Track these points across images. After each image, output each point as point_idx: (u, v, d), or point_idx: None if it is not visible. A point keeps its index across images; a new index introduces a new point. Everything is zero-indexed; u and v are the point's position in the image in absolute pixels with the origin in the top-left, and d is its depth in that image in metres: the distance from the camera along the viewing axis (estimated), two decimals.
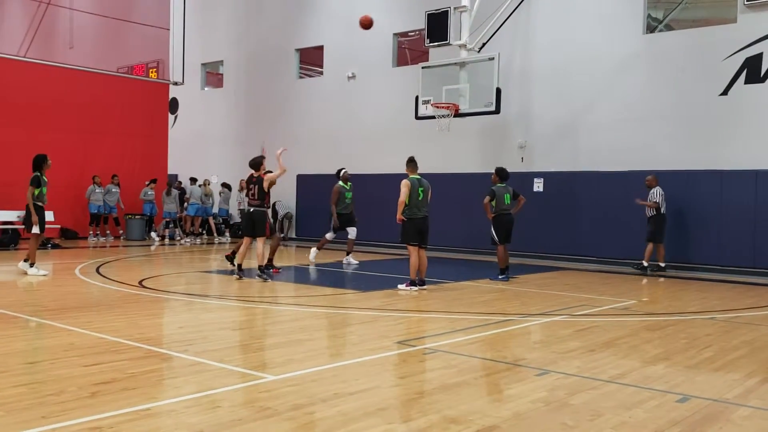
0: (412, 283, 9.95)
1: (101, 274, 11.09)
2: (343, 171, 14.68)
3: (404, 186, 10.25)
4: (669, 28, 15.43)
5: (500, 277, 11.55)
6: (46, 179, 11.32)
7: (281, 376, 4.89)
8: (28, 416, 3.89)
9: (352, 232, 14.77)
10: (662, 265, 13.43)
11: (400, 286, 9.91)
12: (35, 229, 10.87)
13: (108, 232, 19.39)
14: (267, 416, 3.99)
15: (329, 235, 14.68)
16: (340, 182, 14.41)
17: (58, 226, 18.19)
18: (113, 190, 19.16)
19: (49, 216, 17.74)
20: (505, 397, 4.53)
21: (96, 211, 18.90)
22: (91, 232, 18.97)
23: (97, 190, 18.83)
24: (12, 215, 17.12)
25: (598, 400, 4.56)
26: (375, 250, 18.11)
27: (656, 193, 13.42)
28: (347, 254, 14.71)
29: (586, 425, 4.02)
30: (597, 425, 4.02)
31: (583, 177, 15.41)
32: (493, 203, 11.75)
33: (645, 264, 13.46)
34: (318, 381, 4.83)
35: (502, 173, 12.12)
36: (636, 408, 4.37)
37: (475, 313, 8.03)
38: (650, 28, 15.27)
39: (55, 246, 16.16)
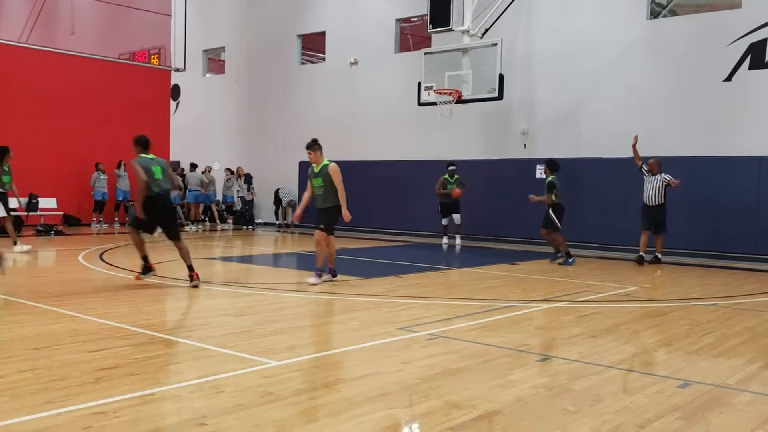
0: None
1: (105, 261, 11.12)
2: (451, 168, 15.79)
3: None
4: (673, 13, 15.34)
5: (570, 260, 12.11)
6: (7, 168, 12.60)
7: (284, 361, 4.92)
8: (33, 401, 3.91)
9: (457, 218, 15.89)
10: (659, 255, 12.72)
11: (310, 280, 9.09)
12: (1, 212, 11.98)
13: (117, 218, 19.51)
14: (270, 401, 4.01)
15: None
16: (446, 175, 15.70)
17: (61, 213, 18.24)
18: (122, 174, 19.22)
19: (52, 203, 17.88)
20: (507, 383, 4.55)
21: (100, 198, 18.94)
22: (94, 219, 19.02)
23: (101, 177, 18.86)
24: (13, 202, 17.14)
25: (600, 385, 4.58)
26: (378, 236, 18.13)
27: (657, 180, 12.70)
28: (452, 237, 16.00)
29: (587, 410, 4.04)
30: (598, 410, 4.04)
31: (586, 163, 15.37)
32: (554, 195, 12.21)
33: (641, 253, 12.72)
34: (320, 366, 4.85)
35: (555, 165, 12.47)
36: (637, 393, 4.39)
37: (477, 299, 8.05)
38: (654, 14, 15.18)
39: (59, 233, 16.19)
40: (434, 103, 15.45)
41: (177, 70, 21.61)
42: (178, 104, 23.73)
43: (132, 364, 4.79)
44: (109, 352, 5.10)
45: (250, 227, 20.52)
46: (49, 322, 6.15)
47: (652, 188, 12.48)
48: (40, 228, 16.30)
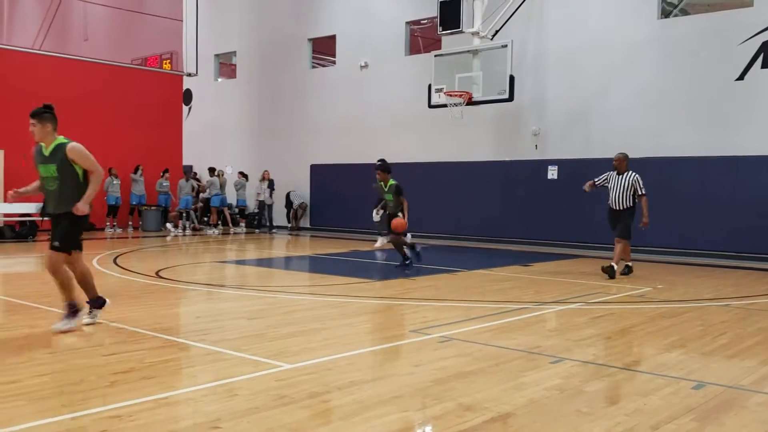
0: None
1: (119, 265, 11.20)
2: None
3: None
4: (684, 12, 15.28)
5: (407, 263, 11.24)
6: None
7: (297, 364, 4.94)
8: (50, 405, 3.96)
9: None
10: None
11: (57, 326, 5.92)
12: None
13: (130, 223, 19.68)
14: (284, 404, 4.04)
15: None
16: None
17: None
18: (138, 179, 19.37)
19: None
20: (520, 385, 4.55)
21: (113, 203, 19.09)
22: (108, 224, 19.16)
23: (114, 182, 19.00)
24: (30, 207, 17.29)
25: (613, 387, 4.57)
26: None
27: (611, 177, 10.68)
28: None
29: (600, 412, 4.03)
30: (611, 412, 4.03)
31: (597, 164, 15.29)
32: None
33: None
34: (333, 369, 4.87)
35: (386, 166, 11.61)
36: (651, 395, 4.38)
37: (489, 302, 8.05)
38: (665, 13, 15.13)
39: None
40: (445, 105, 15.47)
41: (189, 74, 21.78)
42: (190, 109, 23.87)
43: (147, 368, 4.83)
44: (125, 356, 5.15)
45: (273, 231, 20.63)
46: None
47: (619, 188, 10.32)
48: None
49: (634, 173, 10.33)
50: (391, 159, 18.99)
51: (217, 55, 24.42)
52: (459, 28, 15.28)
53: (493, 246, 16.16)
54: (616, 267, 10.18)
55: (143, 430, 3.59)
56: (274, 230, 20.78)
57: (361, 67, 20.08)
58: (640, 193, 10.29)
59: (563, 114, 16.17)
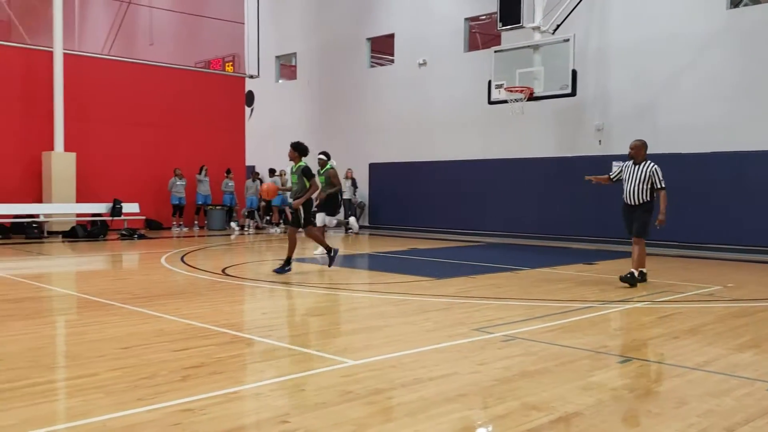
0: None
1: (186, 263, 11.51)
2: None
3: None
4: (755, 1, 14.72)
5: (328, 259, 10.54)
6: None
7: (361, 361, 4.99)
8: (125, 398, 4.10)
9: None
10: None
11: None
12: None
13: (196, 222, 20.21)
14: (349, 400, 4.09)
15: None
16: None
17: (143, 217, 18.98)
18: (203, 180, 19.87)
19: (135, 208, 18.61)
20: (588, 384, 4.48)
21: (177, 203, 19.62)
22: (174, 223, 19.70)
23: (177, 183, 19.53)
24: (101, 207, 17.97)
25: (684, 387, 4.46)
26: (448, 237, 18.09)
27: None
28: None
29: (671, 413, 3.94)
30: (683, 413, 3.93)
31: (663, 159, 14.82)
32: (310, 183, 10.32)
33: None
34: (397, 366, 4.89)
35: (303, 148, 10.69)
36: (724, 396, 4.25)
37: (553, 300, 7.94)
38: (734, 3, 14.61)
39: (141, 236, 16.85)
40: (505, 101, 15.33)
41: (251, 76, 22.20)
42: (252, 110, 24.30)
43: (216, 363, 4.96)
44: (194, 351, 5.29)
45: (357, 229, 19.86)
46: (137, 323, 6.43)
47: (635, 180, 9.05)
48: (124, 232, 17.00)
49: (652, 163, 9.03)
50: (450, 156, 19.03)
51: (278, 57, 24.80)
52: (519, 23, 15.11)
53: (555, 244, 15.92)
54: (636, 273, 8.93)
55: (215, 423, 3.69)
56: (359, 229, 19.96)
57: (420, 64, 20.07)
58: (658, 186, 8.95)
59: (628, 108, 15.80)
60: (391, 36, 21.11)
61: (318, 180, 11.90)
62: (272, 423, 3.70)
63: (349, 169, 20.73)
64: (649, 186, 8.96)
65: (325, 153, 13.15)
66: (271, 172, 21.17)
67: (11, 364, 4.85)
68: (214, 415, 3.81)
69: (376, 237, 18.60)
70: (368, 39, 21.81)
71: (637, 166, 9.09)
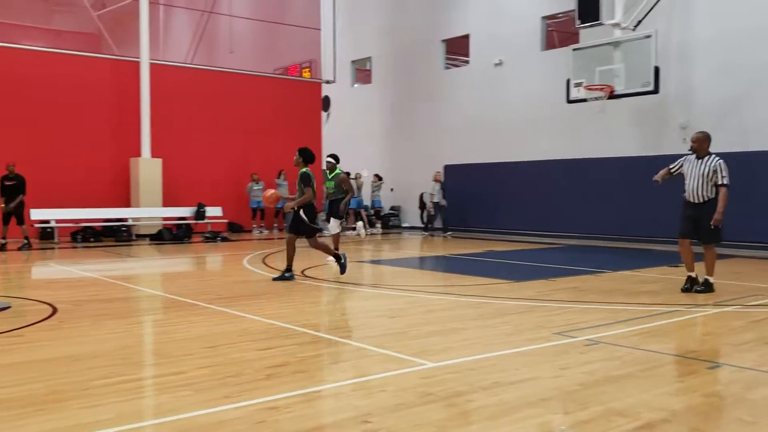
0: None
1: (267, 265, 11.78)
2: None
3: None
4: None
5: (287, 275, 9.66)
6: None
7: (440, 363, 4.99)
8: (213, 395, 4.24)
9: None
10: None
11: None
12: None
13: (275, 224, 20.69)
14: (429, 402, 4.09)
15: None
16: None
17: (226, 221, 19.55)
18: (282, 184, 20.32)
19: (218, 211, 19.19)
20: (676, 391, 4.34)
21: (255, 206, 20.11)
22: (255, 225, 20.21)
23: (254, 187, 20.01)
24: (185, 211, 18.62)
25: None
26: (526, 239, 17.84)
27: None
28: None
29: (765, 421, 3.77)
30: None
31: (754, 157, 14.25)
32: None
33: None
34: (476, 369, 4.87)
35: (309, 155, 10.25)
36: None
37: (637, 304, 7.72)
38: None
39: (224, 239, 17.34)
40: (584, 100, 15.01)
41: (327, 81, 22.54)
42: (328, 115, 24.65)
43: (298, 362, 5.06)
44: (277, 350, 5.42)
45: (447, 233, 19.69)
46: (222, 322, 6.63)
47: (698, 176, 8.32)
48: (207, 235, 17.55)
49: (717, 157, 8.28)
50: (527, 157, 18.77)
51: (353, 62, 25.08)
52: (599, 20, 14.76)
53: (637, 246, 15.45)
54: (711, 279, 8.39)
55: (298, 422, 3.77)
56: (449, 232, 19.81)
57: (495, 65, 19.89)
58: (720, 182, 8.17)
59: (714, 105, 15.18)
60: (466, 37, 21.01)
61: (327, 185, 12.05)
62: (354, 422, 3.74)
63: (438, 172, 20.16)
64: (713, 182, 8.24)
65: (333, 156, 12.13)
66: (347, 174, 21.42)
67: (106, 362, 5.09)
68: (297, 414, 3.89)
69: (450, 239, 18.53)
70: (443, 40, 21.77)
71: (700, 161, 8.36)
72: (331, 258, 10.31)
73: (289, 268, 9.55)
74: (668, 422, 3.75)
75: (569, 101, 15.55)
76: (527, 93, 18.92)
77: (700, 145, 8.39)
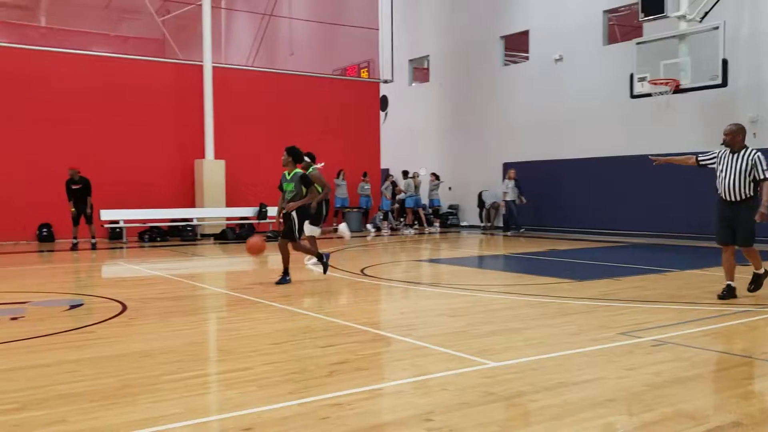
0: None
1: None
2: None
3: None
4: None
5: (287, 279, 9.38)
6: None
7: (502, 363, 4.95)
8: (278, 391, 4.32)
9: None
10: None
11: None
12: None
13: (335, 224, 20.84)
14: (492, 401, 4.07)
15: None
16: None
17: None
18: (341, 183, 20.52)
19: (273, 211, 19.47)
20: (748, 393, 4.20)
21: (339, 205, 20.38)
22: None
23: (340, 183, 20.31)
24: (248, 211, 18.98)
25: None
26: (589, 237, 17.52)
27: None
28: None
29: None
30: None
31: None
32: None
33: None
34: (539, 369, 4.82)
35: (299, 154, 9.78)
36: None
37: (706, 304, 7.49)
38: None
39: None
40: (649, 95, 14.64)
41: (385, 81, 22.61)
42: (386, 114, 24.74)
43: (359, 360, 5.11)
44: (338, 348, 5.48)
45: (521, 230, 19.22)
46: (284, 320, 6.74)
47: (734, 172, 7.50)
48: (269, 234, 17.83)
49: (754, 150, 7.52)
50: (588, 153, 18.41)
51: (411, 61, 25.09)
52: (663, 12, 14.36)
53: (705, 244, 14.97)
54: (761, 270, 7.82)
55: (362, 418, 3.80)
56: (522, 229, 19.24)
57: (556, 60, 19.59)
58: (761, 176, 7.36)
59: None
60: (526, 33, 20.75)
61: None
62: (417, 420, 3.76)
63: (512, 169, 19.46)
64: (751, 178, 7.41)
65: (307, 154, 11.04)
66: (404, 174, 21.47)
67: (174, 357, 5.24)
68: (360, 411, 3.93)
69: (510, 238, 18.34)
70: (502, 37, 21.56)
71: (735, 155, 7.51)
72: (314, 259, 9.93)
73: (286, 271, 9.27)
74: (739, 425, 3.64)
75: (633, 96, 15.19)
76: (588, 89, 18.56)
77: (734, 138, 7.59)
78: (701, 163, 7.96)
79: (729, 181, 7.51)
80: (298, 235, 9.29)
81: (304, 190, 9.26)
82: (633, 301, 7.71)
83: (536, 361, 5.04)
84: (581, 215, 18.50)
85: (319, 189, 10.59)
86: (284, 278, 9.28)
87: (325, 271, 9.80)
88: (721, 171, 7.61)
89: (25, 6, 28.14)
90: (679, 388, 4.31)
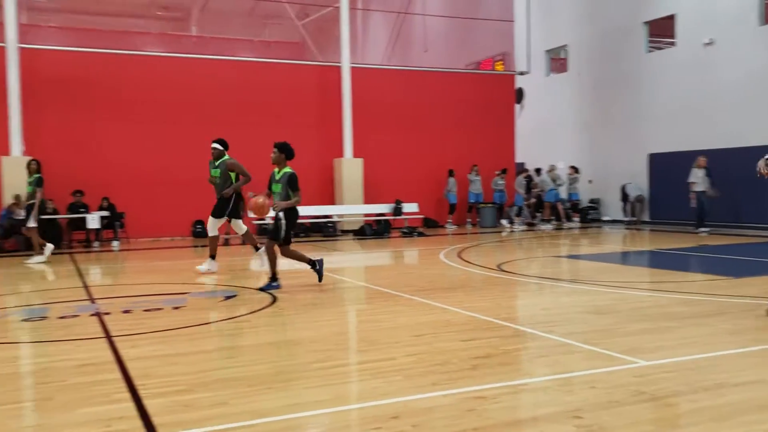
0: None
1: (462, 259, 11.90)
2: None
3: None
4: None
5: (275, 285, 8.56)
6: (32, 180, 12.37)
7: (654, 362, 4.74)
8: (421, 382, 4.38)
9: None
10: None
11: None
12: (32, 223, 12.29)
13: (468, 220, 20.79)
14: (644, 401, 3.91)
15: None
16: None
17: (422, 216, 20.01)
18: (475, 179, 20.42)
19: (414, 207, 19.66)
20: None
21: (454, 201, 20.32)
22: (449, 221, 20.44)
23: (450, 181, 20.26)
24: (384, 208, 19.34)
25: None
26: (749, 232, 16.34)
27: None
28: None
29: None
30: None
31: None
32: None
33: None
34: (695, 370, 4.57)
35: (289, 150, 9.04)
36: None
37: None
38: None
39: (421, 234, 17.77)
40: None
41: (521, 73, 22.23)
42: (522, 107, 24.31)
43: (502, 355, 5.07)
44: (481, 342, 5.47)
45: (699, 229, 16.85)
46: (425, 313, 6.82)
47: None
48: (404, 230, 18.10)
49: None
50: (743, 142, 17.13)
51: (547, 51, 24.48)
52: None
53: None
54: None
55: (508, 412, 3.78)
56: (706, 228, 16.78)
57: (705, 44, 18.40)
58: None
59: None
60: (671, 17, 19.64)
61: (212, 174, 10.38)
62: (565, 417, 3.68)
63: (702, 156, 16.95)
64: None
65: (220, 141, 10.38)
66: (537, 171, 20.98)
67: (322, 346, 5.45)
68: (505, 405, 3.92)
69: (657, 233, 17.45)
70: (645, 23, 20.54)
71: None
72: (306, 266, 8.90)
73: (274, 276, 8.54)
74: None
75: None
76: (743, 72, 17.28)
77: None
78: None
79: None
80: (286, 239, 8.50)
81: (290, 193, 8.47)
82: None
83: (692, 361, 4.79)
84: (735, 208, 17.28)
85: (234, 178, 10.20)
86: (271, 284, 8.47)
87: (320, 279, 8.86)
88: None
89: (179, 18, 30.25)
90: None
